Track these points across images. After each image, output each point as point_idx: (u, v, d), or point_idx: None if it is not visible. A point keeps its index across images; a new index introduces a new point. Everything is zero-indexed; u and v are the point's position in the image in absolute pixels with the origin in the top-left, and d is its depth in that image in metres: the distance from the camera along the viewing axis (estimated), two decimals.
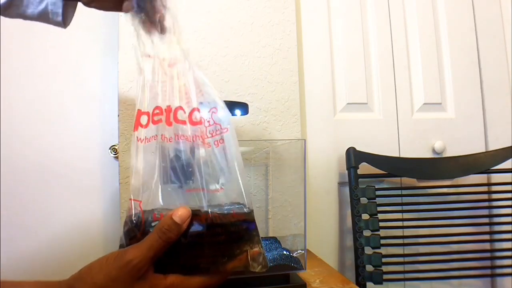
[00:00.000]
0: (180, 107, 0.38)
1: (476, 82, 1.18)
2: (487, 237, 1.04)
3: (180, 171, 0.37)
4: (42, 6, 0.45)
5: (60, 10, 0.46)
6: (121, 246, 0.39)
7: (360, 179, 1.01)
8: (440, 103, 1.16)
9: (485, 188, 1.06)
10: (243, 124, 0.99)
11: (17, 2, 0.45)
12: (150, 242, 0.35)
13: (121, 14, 0.95)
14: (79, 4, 0.49)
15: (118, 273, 0.34)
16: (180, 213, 0.35)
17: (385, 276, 0.96)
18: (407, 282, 1.03)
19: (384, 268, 0.96)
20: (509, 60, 1.20)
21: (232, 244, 0.37)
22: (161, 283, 0.35)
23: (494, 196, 1.04)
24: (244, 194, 0.38)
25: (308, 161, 1.06)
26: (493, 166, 1.03)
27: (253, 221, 0.40)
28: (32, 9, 0.46)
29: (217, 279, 0.37)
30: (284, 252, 0.70)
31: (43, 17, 0.46)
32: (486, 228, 1.05)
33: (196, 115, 0.38)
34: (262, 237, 0.81)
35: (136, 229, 0.37)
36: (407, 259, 1.02)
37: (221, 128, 0.38)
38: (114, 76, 0.96)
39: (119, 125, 0.90)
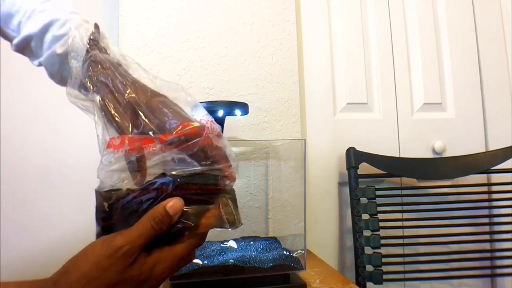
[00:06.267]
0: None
1: (476, 82, 1.18)
2: (487, 237, 1.04)
3: None
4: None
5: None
6: (98, 235, 0.38)
7: (360, 179, 1.01)
8: (440, 103, 1.16)
9: (485, 188, 1.06)
10: (243, 124, 0.99)
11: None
12: (142, 230, 0.34)
13: (120, 14, 0.96)
14: None
15: (108, 260, 0.32)
16: (173, 203, 0.34)
17: (385, 276, 0.96)
18: (407, 282, 1.03)
19: (384, 268, 0.96)
20: (509, 60, 1.20)
21: (205, 200, 0.37)
22: (148, 262, 0.34)
23: (494, 196, 1.04)
24: None
25: (308, 161, 1.06)
26: (493, 166, 1.03)
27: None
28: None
29: (198, 240, 0.37)
30: (284, 252, 0.70)
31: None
32: (486, 228, 1.05)
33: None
34: (262, 237, 0.81)
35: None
36: (407, 259, 1.02)
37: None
38: None
39: None
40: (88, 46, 0.42)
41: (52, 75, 0.48)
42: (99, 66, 0.40)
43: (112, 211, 0.37)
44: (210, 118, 0.40)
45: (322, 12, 1.12)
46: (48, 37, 0.44)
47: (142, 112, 0.38)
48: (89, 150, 1.00)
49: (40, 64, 0.48)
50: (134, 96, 0.39)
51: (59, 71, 0.46)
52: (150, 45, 0.96)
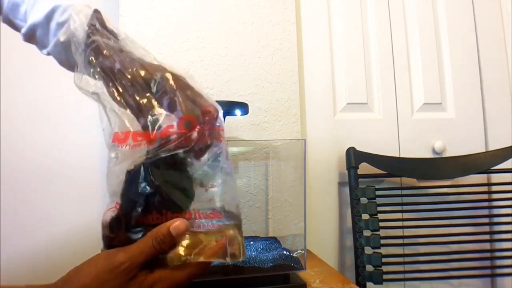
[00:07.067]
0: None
1: (476, 82, 1.18)
2: (487, 237, 1.04)
3: None
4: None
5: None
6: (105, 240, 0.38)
7: (360, 179, 1.01)
8: (440, 103, 1.16)
9: (485, 188, 1.06)
10: (243, 124, 0.99)
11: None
12: (143, 248, 0.34)
13: (120, 14, 0.96)
14: None
15: (108, 275, 0.33)
16: (177, 224, 0.35)
17: (385, 276, 0.96)
18: (407, 282, 1.03)
19: (384, 268, 0.96)
20: (509, 60, 1.20)
21: None
22: (148, 279, 0.35)
23: (494, 196, 1.04)
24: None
25: (308, 161, 1.06)
26: (493, 166, 1.03)
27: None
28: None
29: (199, 271, 0.37)
30: (284, 252, 0.70)
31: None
32: (486, 228, 1.05)
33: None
34: (262, 237, 0.81)
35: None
36: (407, 259, 1.02)
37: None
38: None
39: None
40: (89, 32, 0.41)
41: (61, 63, 0.47)
42: (100, 54, 0.39)
43: (114, 231, 0.37)
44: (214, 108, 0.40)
45: (322, 12, 1.12)
46: (53, 25, 0.44)
47: (143, 106, 0.38)
48: (89, 150, 1.00)
49: (48, 54, 0.47)
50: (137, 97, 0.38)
51: (66, 59, 0.46)
52: (150, 45, 0.96)
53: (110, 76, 0.38)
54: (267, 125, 1.00)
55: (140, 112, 0.37)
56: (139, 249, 0.34)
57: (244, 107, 0.76)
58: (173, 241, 0.35)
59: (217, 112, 0.39)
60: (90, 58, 0.39)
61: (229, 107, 0.75)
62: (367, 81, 1.13)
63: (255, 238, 0.80)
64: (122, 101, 0.38)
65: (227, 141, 0.76)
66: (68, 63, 0.46)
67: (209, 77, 0.98)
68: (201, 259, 0.36)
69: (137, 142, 0.37)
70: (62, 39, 0.44)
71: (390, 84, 1.14)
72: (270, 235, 0.96)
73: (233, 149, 0.91)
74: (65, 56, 0.45)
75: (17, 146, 0.97)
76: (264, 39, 1.02)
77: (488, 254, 1.04)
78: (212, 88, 0.98)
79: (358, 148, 1.03)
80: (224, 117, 0.76)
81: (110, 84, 0.38)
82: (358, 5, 1.14)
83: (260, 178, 0.96)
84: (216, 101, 0.82)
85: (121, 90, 0.38)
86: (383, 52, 1.14)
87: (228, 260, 0.38)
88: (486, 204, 1.05)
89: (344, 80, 1.12)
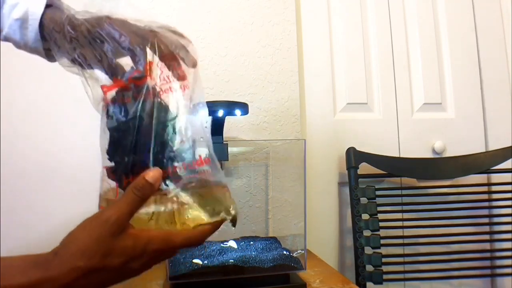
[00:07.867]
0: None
1: (476, 82, 1.18)
2: (487, 237, 1.04)
3: None
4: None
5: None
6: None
7: (360, 179, 1.01)
8: (440, 103, 1.16)
9: (485, 188, 1.06)
10: (243, 124, 0.99)
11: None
12: (127, 199, 0.35)
13: None
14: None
15: (100, 231, 0.34)
16: (152, 174, 0.36)
17: (385, 276, 0.96)
18: (407, 282, 1.03)
19: (384, 268, 0.96)
20: (509, 60, 1.20)
21: None
22: (143, 235, 0.35)
23: (494, 196, 1.04)
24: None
25: (308, 161, 1.06)
26: (493, 166, 1.03)
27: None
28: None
29: (201, 235, 0.38)
30: (284, 252, 0.70)
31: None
32: (486, 228, 1.05)
33: None
34: (262, 237, 0.81)
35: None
36: (407, 259, 1.02)
37: None
38: None
39: None
40: (44, 11, 0.42)
41: (18, 45, 0.48)
42: (75, 26, 0.41)
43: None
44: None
45: (322, 12, 1.12)
46: (6, 8, 0.45)
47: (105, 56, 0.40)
48: (89, 150, 1.00)
49: (5, 38, 0.48)
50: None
51: (21, 38, 0.46)
52: None
53: (87, 40, 0.40)
54: (267, 125, 1.00)
55: (118, 67, 0.40)
56: (124, 201, 0.35)
57: (244, 107, 0.76)
58: (153, 188, 0.36)
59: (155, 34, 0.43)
60: (51, 38, 0.42)
61: (229, 107, 0.75)
62: (367, 81, 1.13)
63: (255, 238, 0.80)
64: (101, 63, 0.40)
65: (227, 141, 0.76)
66: (24, 43, 0.47)
67: (209, 77, 0.98)
68: (198, 223, 0.37)
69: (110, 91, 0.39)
70: (16, 16, 0.44)
71: (390, 84, 1.14)
72: (270, 235, 0.96)
73: (233, 149, 0.91)
74: (19, 35, 0.46)
75: (17, 146, 0.97)
76: (264, 39, 1.02)
77: (488, 254, 1.04)
78: (212, 88, 0.98)
79: (358, 148, 1.03)
80: (224, 117, 0.76)
81: (89, 48, 0.40)
82: (358, 5, 1.14)
83: (260, 178, 0.96)
84: (216, 101, 0.82)
85: (96, 51, 0.40)
86: (383, 52, 1.14)
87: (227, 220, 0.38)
88: (486, 204, 1.05)
89: (344, 80, 1.12)
